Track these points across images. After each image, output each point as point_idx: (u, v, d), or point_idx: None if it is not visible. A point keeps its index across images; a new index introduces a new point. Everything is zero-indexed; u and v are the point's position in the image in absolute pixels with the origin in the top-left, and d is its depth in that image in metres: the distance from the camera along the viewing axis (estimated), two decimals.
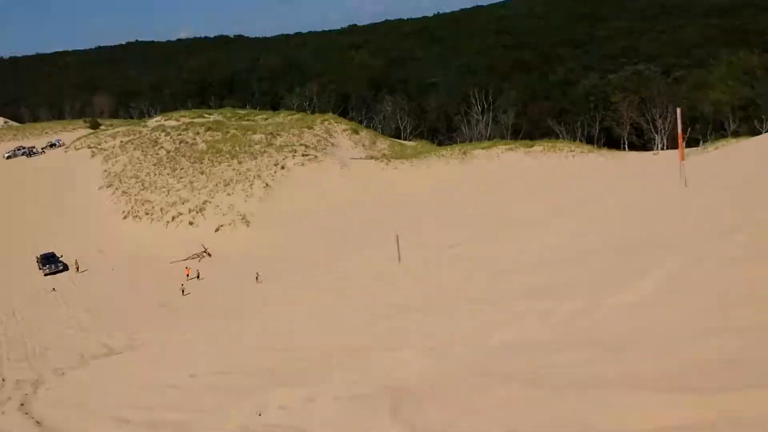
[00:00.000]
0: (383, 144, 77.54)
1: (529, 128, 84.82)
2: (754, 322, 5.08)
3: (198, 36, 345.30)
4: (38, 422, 15.11)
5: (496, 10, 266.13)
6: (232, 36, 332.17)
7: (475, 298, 12.32)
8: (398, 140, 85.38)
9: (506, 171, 59.28)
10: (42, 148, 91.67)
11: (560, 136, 76.50)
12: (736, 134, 64.37)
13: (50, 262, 50.49)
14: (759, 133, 60.60)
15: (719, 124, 70.99)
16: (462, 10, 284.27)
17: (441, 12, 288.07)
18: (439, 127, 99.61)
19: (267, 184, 62.73)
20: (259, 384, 9.30)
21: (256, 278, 40.74)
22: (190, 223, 57.16)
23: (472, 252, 29.98)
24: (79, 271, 49.87)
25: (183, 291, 41.88)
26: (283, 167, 65.63)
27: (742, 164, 26.43)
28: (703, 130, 66.98)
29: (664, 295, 6.89)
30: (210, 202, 59.64)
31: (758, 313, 5.26)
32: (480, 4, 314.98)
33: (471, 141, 79.56)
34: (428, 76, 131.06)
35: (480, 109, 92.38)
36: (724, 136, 64.23)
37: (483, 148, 66.61)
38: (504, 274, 18.56)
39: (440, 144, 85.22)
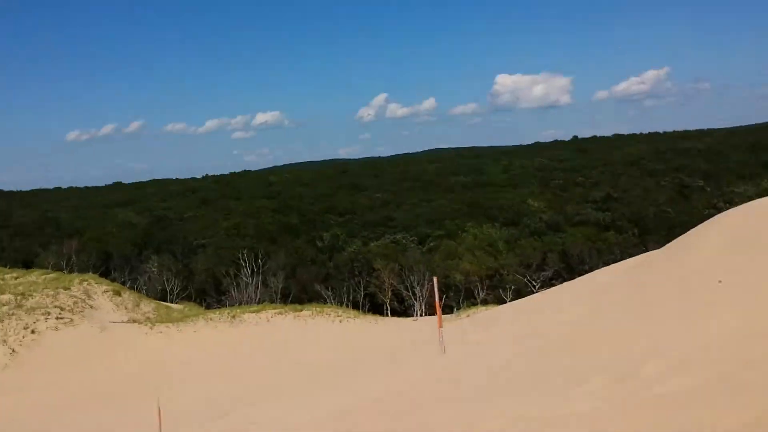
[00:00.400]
0: (148, 306, 74.57)
1: (298, 292, 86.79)
2: None
3: None
4: None
5: (264, 175, 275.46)
6: None
7: None
8: (164, 303, 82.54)
9: (276, 336, 59.66)
10: None
11: (328, 300, 79.04)
12: (485, 302, 70.88)
13: None
14: (504, 300, 67.29)
15: (470, 292, 77.82)
16: (231, 173, 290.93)
17: (210, 174, 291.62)
18: (207, 289, 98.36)
19: (13, 350, 57.05)
20: None
21: None
22: None
23: (243, 424, 29.58)
24: None
25: None
26: (33, 331, 60.31)
27: (490, 332, 29.33)
28: (456, 297, 73.06)
29: None
30: None
31: None
32: (249, 168, 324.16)
33: (240, 304, 79.34)
34: (196, 236, 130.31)
35: (249, 272, 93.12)
36: (474, 304, 70.38)
37: (252, 312, 66.58)
38: None
39: (209, 307, 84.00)
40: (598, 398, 9.03)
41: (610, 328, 16.77)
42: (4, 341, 58.46)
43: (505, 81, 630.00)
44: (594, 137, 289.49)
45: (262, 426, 27.25)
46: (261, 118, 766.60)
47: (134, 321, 66.97)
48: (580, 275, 51.05)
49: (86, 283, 76.36)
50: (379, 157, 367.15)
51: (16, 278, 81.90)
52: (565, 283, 45.61)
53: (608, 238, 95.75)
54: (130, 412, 43.49)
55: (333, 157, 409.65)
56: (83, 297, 71.63)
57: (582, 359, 13.05)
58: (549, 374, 12.43)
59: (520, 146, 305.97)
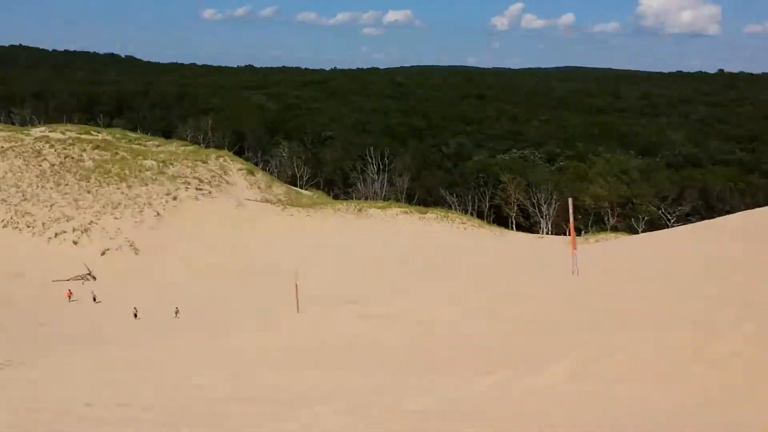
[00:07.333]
0: (279, 189, 77.03)
1: (422, 194, 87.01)
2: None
3: (87, 50, 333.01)
4: None
5: (392, 73, 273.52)
6: (123, 56, 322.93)
7: (385, 360, 12.45)
8: (294, 187, 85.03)
9: (401, 234, 60.34)
10: None
11: (452, 206, 78.81)
12: (615, 229, 68.73)
13: None
14: (636, 230, 65.03)
15: (599, 217, 75.57)
16: (359, 68, 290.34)
17: (338, 67, 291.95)
18: (335, 180, 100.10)
19: (158, 213, 60.73)
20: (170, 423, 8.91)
21: (134, 315, 38.61)
22: (75, 243, 54.19)
23: (373, 311, 30.22)
24: None
25: (95, 298, 42.08)
26: (175, 198, 63.84)
27: (626, 261, 28.23)
28: (584, 221, 71.16)
29: (572, 383, 7.49)
30: (96, 224, 56.87)
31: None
32: (377, 66, 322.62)
33: (366, 199, 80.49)
34: (324, 128, 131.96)
35: (376, 169, 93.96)
36: (603, 230, 68.44)
37: (379, 208, 67.63)
38: (414, 339, 18.82)
39: (336, 197, 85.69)
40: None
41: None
42: (149, 204, 62.18)
43: (650, 2, 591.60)
44: (742, 73, 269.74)
45: (392, 315, 27.73)
46: (392, 15, 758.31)
47: (267, 201, 69.55)
48: (719, 215, 48.48)
49: (222, 159, 79.46)
50: (509, 69, 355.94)
51: (157, 146, 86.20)
52: (707, 221, 43.18)
53: (752, 181, 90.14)
54: (266, 284, 45.64)
55: (461, 64, 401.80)
56: (220, 172, 74.67)
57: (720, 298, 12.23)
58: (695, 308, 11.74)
59: (662, 73, 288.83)
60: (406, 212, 66.36)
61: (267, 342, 24.61)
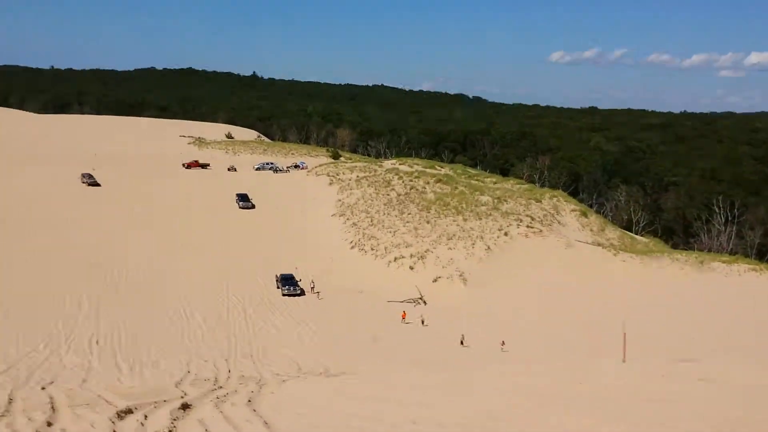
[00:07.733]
0: (612, 233, 74.31)
1: None
2: None
3: (438, 91, 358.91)
4: (266, 423, 15.26)
5: (750, 120, 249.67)
6: (470, 96, 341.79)
7: None
8: (629, 232, 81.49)
9: (748, 292, 54.15)
10: (287, 167, 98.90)
11: None
12: None
13: (289, 284, 51.57)
14: None
15: None
16: (711, 113, 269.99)
17: (688, 111, 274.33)
18: (675, 228, 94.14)
19: (489, 247, 62.32)
20: None
21: (461, 342, 39.83)
22: (411, 268, 58.09)
23: (707, 374, 27.17)
24: (313, 291, 51.84)
25: (423, 322, 44.62)
26: (506, 234, 64.96)
27: None
28: None
29: None
30: (431, 252, 60.29)
31: None
32: (732, 110, 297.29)
33: (710, 251, 74.04)
34: (667, 173, 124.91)
35: (723, 220, 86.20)
36: None
37: (723, 262, 61.49)
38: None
39: (674, 246, 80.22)
40: None
41: None
42: (481, 237, 64.15)
43: None
44: None
45: (739, 382, 24.65)
46: (755, 57, 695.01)
47: (599, 244, 67.43)
48: None
49: (555, 199, 79.13)
50: None
51: (494, 183, 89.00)
52: None
53: None
54: (591, 328, 44.23)
55: None
56: (552, 212, 74.42)
57: None
58: None
59: None
60: (756, 269, 59.33)
61: (582, 387, 23.64)
